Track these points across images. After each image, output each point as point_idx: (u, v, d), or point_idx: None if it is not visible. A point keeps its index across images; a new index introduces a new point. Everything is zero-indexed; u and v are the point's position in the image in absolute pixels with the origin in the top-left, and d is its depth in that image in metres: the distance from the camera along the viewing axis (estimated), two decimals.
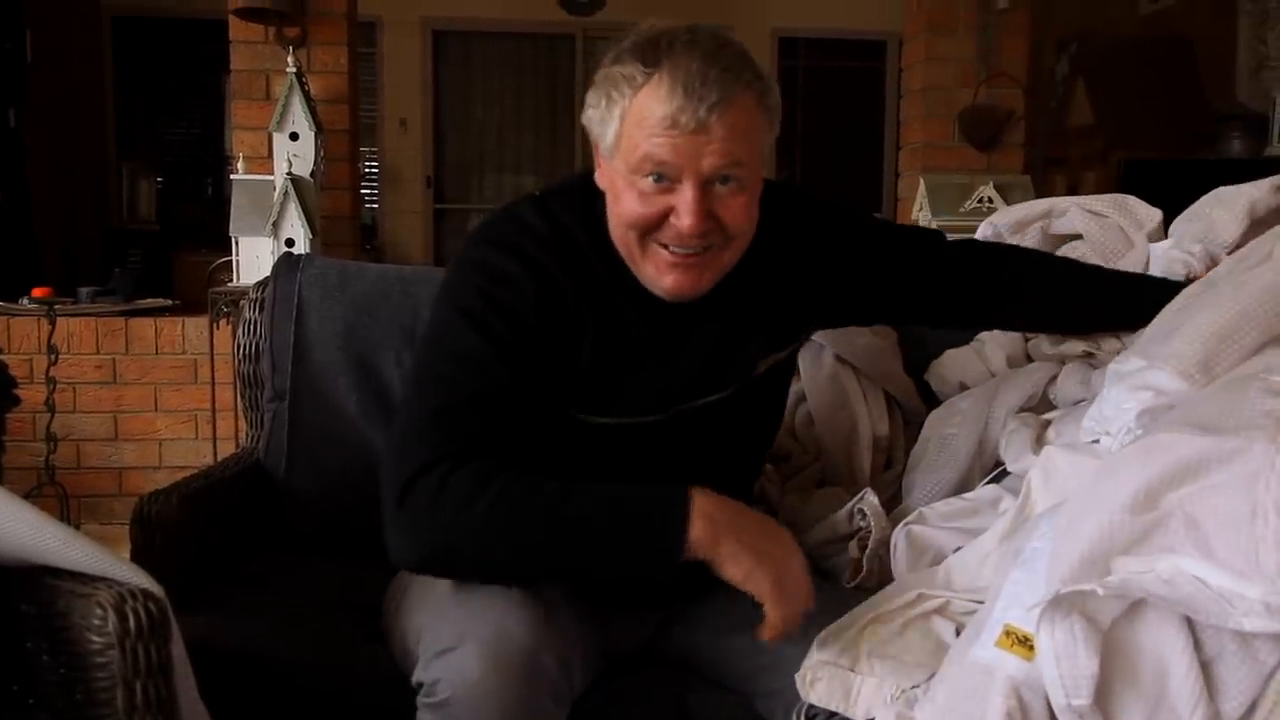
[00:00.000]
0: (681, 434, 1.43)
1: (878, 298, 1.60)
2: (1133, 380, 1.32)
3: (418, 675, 1.26)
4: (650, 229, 1.30)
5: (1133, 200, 1.90)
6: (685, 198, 1.26)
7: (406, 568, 1.30)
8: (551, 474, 1.30)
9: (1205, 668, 1.01)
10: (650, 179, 1.26)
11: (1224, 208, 1.71)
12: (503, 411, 1.29)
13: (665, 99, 1.23)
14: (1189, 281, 1.57)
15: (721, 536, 1.20)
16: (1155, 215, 1.87)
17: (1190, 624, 1.02)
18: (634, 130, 1.26)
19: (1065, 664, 1.01)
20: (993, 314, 1.70)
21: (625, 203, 1.29)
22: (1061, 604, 1.02)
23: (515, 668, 1.19)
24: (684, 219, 1.26)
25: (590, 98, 1.32)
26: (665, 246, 1.31)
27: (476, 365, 1.30)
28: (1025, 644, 1.06)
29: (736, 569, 1.21)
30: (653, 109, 1.24)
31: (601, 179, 1.36)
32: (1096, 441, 1.39)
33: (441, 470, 1.23)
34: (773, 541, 1.24)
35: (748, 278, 1.40)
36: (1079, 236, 1.89)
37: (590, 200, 1.37)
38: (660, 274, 1.33)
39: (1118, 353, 1.58)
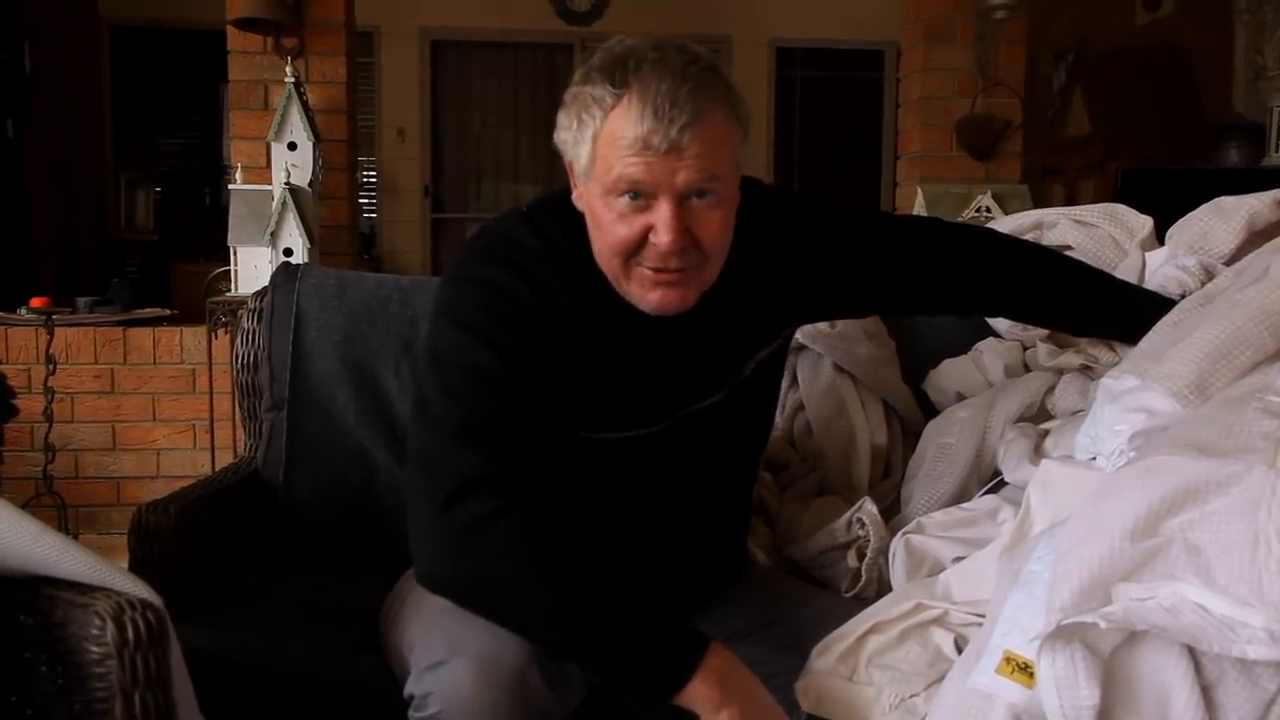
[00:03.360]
0: (680, 443, 1.43)
1: (859, 288, 1.59)
2: (1126, 401, 1.32)
3: (409, 688, 1.26)
4: (632, 251, 1.29)
5: (1123, 209, 1.91)
6: (662, 215, 1.25)
7: (425, 584, 1.29)
8: (559, 496, 1.30)
9: (1205, 692, 1.00)
10: (626, 198, 1.26)
11: (1222, 218, 1.71)
12: (522, 427, 1.29)
13: (636, 120, 1.22)
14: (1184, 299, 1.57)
15: (725, 703, 1.19)
16: (1146, 223, 1.87)
17: (1191, 649, 1.02)
18: (607, 152, 1.25)
19: (1066, 694, 1.00)
20: (981, 300, 1.69)
21: (605, 226, 1.29)
22: (1062, 632, 1.01)
23: (505, 685, 1.19)
24: (661, 236, 1.25)
25: (561, 119, 1.32)
26: (647, 267, 1.30)
27: (491, 381, 1.29)
28: (1025, 671, 1.06)
29: None
30: (624, 130, 1.23)
31: (579, 201, 1.35)
32: (1093, 458, 1.39)
33: (486, 498, 1.22)
34: (761, 710, 1.22)
35: (729, 281, 1.40)
36: (1070, 249, 1.89)
37: (576, 215, 1.37)
38: (645, 292, 1.32)
39: (1114, 365, 1.58)
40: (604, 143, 1.25)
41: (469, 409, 1.28)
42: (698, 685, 1.18)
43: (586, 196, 1.32)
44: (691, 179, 1.24)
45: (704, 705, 1.19)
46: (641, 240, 1.27)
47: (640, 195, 1.25)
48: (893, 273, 1.58)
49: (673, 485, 1.46)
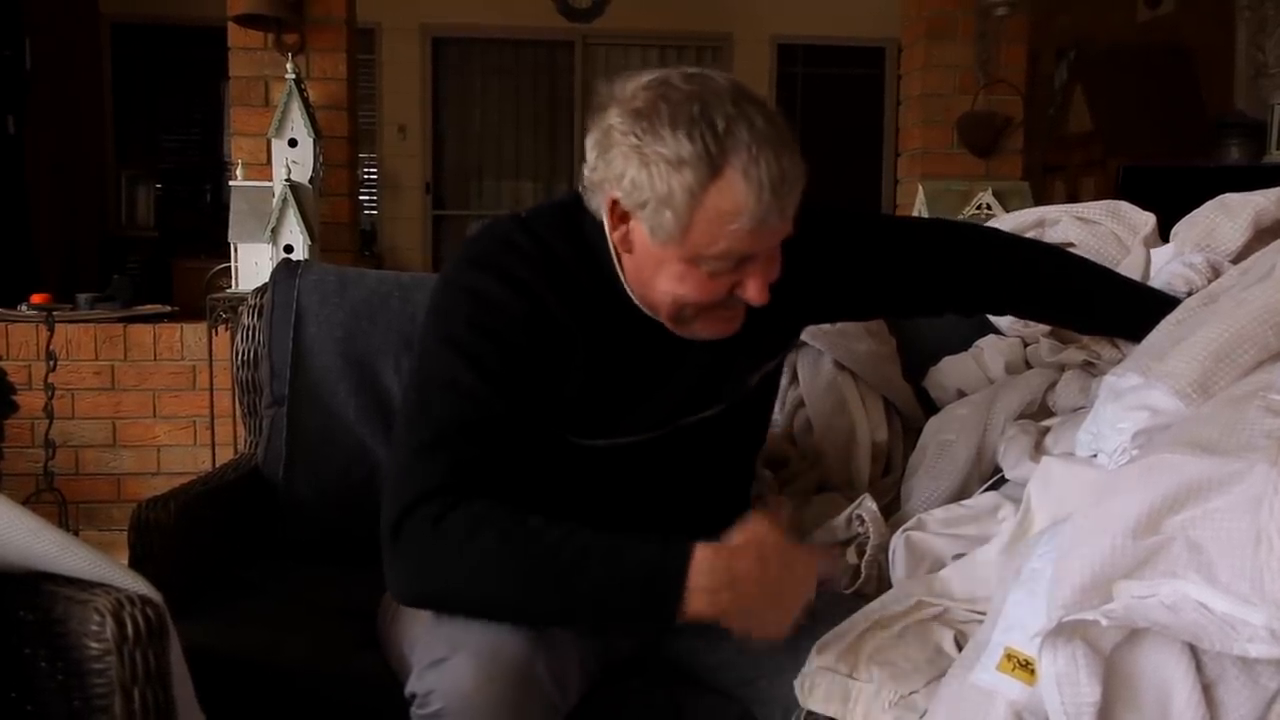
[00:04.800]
0: (677, 450, 1.43)
1: (865, 293, 1.59)
2: (1129, 399, 1.32)
3: (411, 685, 1.25)
4: (713, 305, 1.30)
5: (1125, 206, 1.90)
6: (760, 274, 1.27)
7: (403, 604, 1.30)
8: (549, 500, 1.30)
9: (1206, 690, 1.00)
10: (723, 264, 1.26)
11: (1228, 215, 1.70)
12: (495, 440, 1.28)
13: (754, 200, 1.20)
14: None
15: (727, 602, 1.21)
16: (1149, 220, 1.87)
17: (1192, 647, 1.02)
18: (712, 226, 1.22)
19: (1067, 691, 1.00)
20: (985, 300, 1.69)
21: (691, 285, 1.27)
22: (1063, 630, 1.01)
23: (507, 679, 1.19)
24: (759, 295, 1.28)
25: (624, 168, 1.24)
26: (720, 308, 1.31)
27: (466, 395, 1.29)
28: (1026, 668, 1.06)
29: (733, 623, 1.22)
30: (736, 206, 1.20)
31: (625, 243, 1.31)
32: (1094, 456, 1.39)
33: (434, 508, 1.23)
34: (777, 585, 1.24)
35: None
36: (1073, 246, 1.88)
37: (575, 220, 1.36)
38: (706, 329, 1.34)
39: (1117, 362, 1.58)
40: (708, 216, 1.22)
41: (438, 425, 1.28)
42: (694, 597, 1.20)
43: (650, 251, 1.28)
44: (786, 233, 1.27)
45: (708, 612, 1.20)
46: (726, 297, 1.29)
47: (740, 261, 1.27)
48: (898, 276, 1.58)
49: (671, 489, 1.46)
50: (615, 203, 1.27)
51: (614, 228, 1.30)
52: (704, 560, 1.21)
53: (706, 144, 1.19)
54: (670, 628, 1.22)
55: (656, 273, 1.29)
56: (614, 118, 1.24)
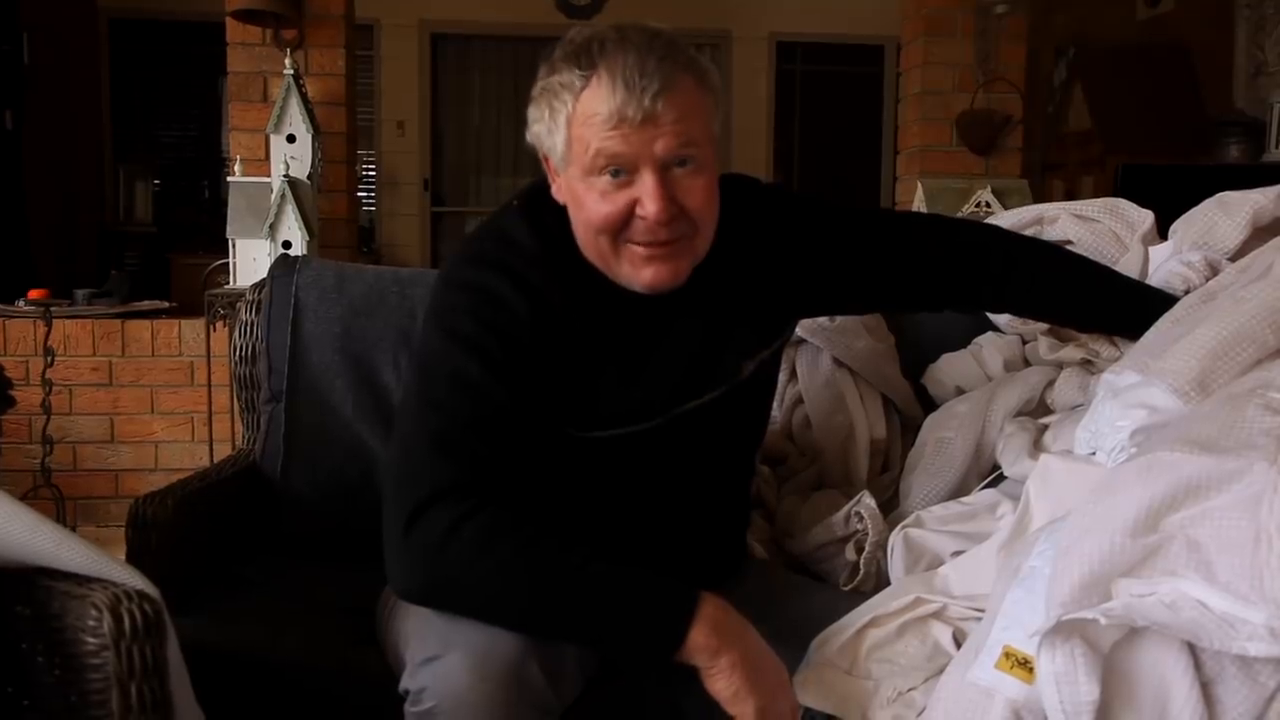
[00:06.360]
0: (676, 440, 1.43)
1: (860, 286, 1.59)
2: (1127, 397, 1.32)
3: (404, 682, 1.25)
4: (619, 229, 1.30)
5: (1124, 203, 1.90)
6: (646, 186, 1.26)
7: (404, 599, 1.30)
8: (554, 497, 1.31)
9: (1205, 689, 1.00)
10: (607, 175, 1.27)
11: (1226, 213, 1.70)
12: (502, 435, 1.29)
13: (608, 95, 1.24)
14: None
15: (724, 649, 1.19)
16: (1147, 217, 1.87)
17: (1190, 646, 1.02)
18: (583, 131, 1.27)
19: (1065, 690, 1.00)
20: (985, 297, 1.69)
21: (589, 207, 1.30)
22: (1062, 628, 1.01)
23: (500, 678, 1.19)
24: (649, 206, 1.26)
25: (532, 113, 1.33)
26: (637, 243, 1.31)
27: (473, 389, 1.29)
28: (1025, 666, 1.06)
29: (727, 685, 1.19)
30: (597, 108, 1.25)
31: (560, 193, 1.36)
32: (1093, 454, 1.39)
33: (450, 509, 1.22)
34: (770, 671, 1.23)
35: (724, 271, 1.41)
36: (1071, 244, 1.88)
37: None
38: (637, 270, 1.32)
39: (1116, 360, 1.58)
40: (579, 123, 1.27)
41: (448, 418, 1.28)
42: (695, 637, 1.19)
43: (566, 184, 1.33)
44: (670, 146, 1.26)
45: (703, 655, 1.20)
46: (627, 216, 1.29)
47: (621, 171, 1.27)
48: (894, 270, 1.58)
49: (670, 481, 1.46)
50: (546, 159, 1.35)
51: (554, 184, 1.36)
52: (715, 599, 1.22)
53: (582, 64, 1.26)
54: (663, 661, 1.21)
55: (576, 210, 1.33)
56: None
